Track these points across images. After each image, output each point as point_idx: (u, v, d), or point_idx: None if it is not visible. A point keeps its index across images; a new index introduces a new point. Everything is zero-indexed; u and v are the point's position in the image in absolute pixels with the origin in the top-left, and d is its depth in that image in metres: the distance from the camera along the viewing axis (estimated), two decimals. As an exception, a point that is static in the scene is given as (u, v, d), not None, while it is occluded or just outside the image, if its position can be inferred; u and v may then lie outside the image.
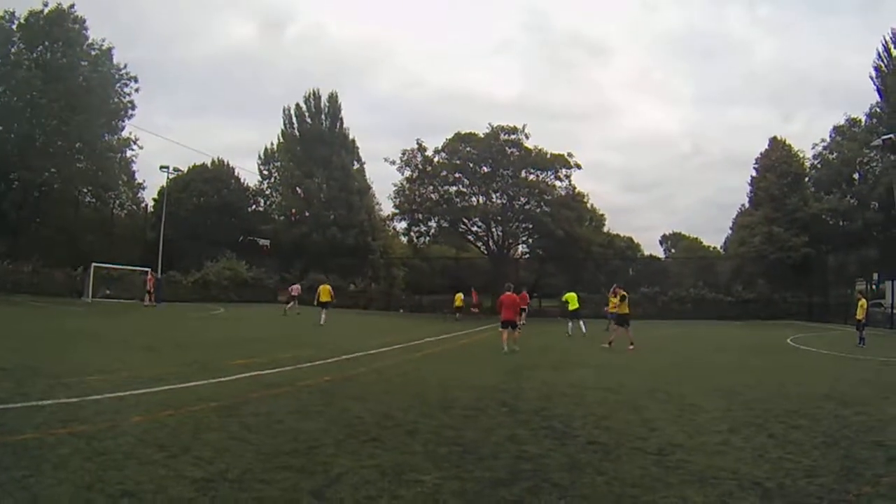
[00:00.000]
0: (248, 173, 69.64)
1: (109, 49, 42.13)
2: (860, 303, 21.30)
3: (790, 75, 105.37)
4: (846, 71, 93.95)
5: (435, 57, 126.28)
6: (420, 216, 50.14)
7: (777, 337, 24.55)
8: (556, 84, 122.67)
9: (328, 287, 26.74)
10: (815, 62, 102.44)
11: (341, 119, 57.89)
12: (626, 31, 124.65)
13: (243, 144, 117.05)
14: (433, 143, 51.18)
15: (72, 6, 40.33)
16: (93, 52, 41.40)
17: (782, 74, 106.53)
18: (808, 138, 70.77)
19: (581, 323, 23.67)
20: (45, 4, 39.35)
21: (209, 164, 60.11)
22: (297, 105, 57.75)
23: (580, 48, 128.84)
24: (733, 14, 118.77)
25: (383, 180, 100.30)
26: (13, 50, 38.94)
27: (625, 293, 19.25)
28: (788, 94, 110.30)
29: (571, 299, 24.43)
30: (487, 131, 48.54)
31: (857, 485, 4.91)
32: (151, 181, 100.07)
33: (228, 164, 61.69)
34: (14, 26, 39.06)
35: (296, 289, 35.69)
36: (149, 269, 38.97)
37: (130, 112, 43.64)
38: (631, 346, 17.02)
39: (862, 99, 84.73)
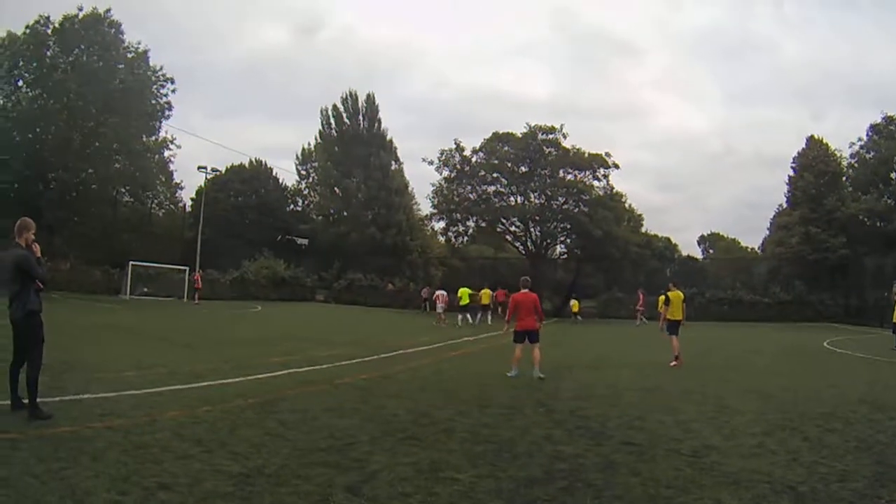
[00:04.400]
0: (286, 173, 69.97)
1: (145, 52, 42.39)
2: (897, 305, 20.80)
3: (818, 73, 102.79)
4: (875, 68, 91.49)
5: (464, 57, 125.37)
6: (458, 216, 50.16)
7: (813, 340, 24.06)
8: (585, 83, 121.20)
9: (467, 290, 29.22)
10: (841, 58, 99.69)
11: (379, 120, 57.43)
12: (653, 31, 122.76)
13: (280, 145, 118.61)
14: (466, 142, 50.93)
15: (108, 10, 40.87)
16: (129, 55, 41.72)
17: (810, 72, 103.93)
18: (839, 136, 69.01)
19: (468, 315, 28.11)
20: (80, 9, 39.88)
21: (247, 165, 60.50)
22: (335, 106, 57.46)
23: (608, 48, 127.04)
24: (759, 12, 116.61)
25: (418, 180, 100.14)
26: (49, 54, 39.30)
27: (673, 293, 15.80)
28: (817, 92, 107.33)
29: (464, 294, 28.25)
30: (525, 131, 48.37)
31: (889, 490, 4.87)
32: (189, 181, 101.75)
33: (266, 165, 62.05)
34: (49, 30, 39.48)
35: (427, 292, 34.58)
36: (187, 268, 39.81)
37: (168, 113, 43.92)
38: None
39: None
